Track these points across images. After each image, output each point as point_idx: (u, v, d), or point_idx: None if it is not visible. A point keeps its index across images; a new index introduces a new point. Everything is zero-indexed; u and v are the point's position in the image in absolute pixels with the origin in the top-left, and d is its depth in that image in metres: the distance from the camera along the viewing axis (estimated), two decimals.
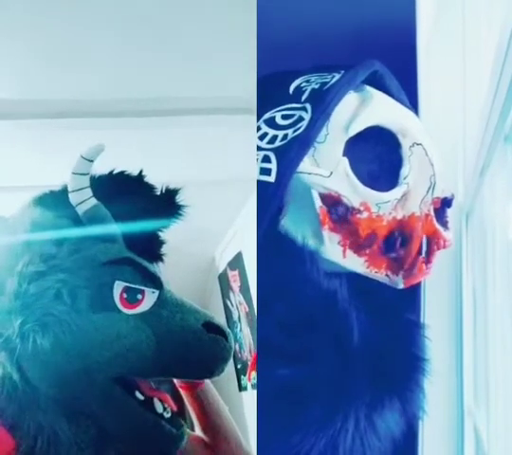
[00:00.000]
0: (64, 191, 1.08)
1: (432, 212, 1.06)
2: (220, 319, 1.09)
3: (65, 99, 1.95)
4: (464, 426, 1.37)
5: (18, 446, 0.99)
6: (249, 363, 3.03)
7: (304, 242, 1.00)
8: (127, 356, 1.00)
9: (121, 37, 1.67)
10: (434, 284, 1.31)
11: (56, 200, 1.09)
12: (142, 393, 1.04)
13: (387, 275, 1.05)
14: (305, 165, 1.01)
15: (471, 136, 1.37)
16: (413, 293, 1.16)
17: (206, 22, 1.61)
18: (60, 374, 1.00)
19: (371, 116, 1.03)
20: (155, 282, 1.06)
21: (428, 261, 1.06)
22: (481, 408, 1.35)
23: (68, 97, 1.93)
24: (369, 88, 1.07)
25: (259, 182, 1.00)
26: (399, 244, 1.04)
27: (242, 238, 2.95)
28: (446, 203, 1.08)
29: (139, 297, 1.03)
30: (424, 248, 1.06)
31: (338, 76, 1.03)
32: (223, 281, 3.44)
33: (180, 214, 1.14)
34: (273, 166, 0.99)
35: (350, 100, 1.04)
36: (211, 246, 3.35)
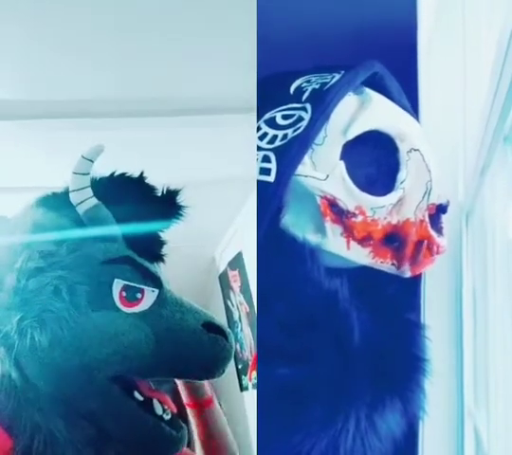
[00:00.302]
0: (66, 193, 1.08)
1: (427, 218, 1.06)
2: (221, 320, 1.09)
3: (66, 99, 1.94)
4: (464, 426, 1.37)
5: (15, 446, 0.99)
6: (250, 363, 3.03)
7: (305, 240, 1.00)
8: (125, 354, 1.00)
9: (122, 37, 1.66)
10: (434, 284, 1.31)
11: (58, 201, 1.09)
12: (141, 394, 1.04)
13: (393, 264, 1.05)
14: (302, 167, 1.01)
15: (471, 137, 1.37)
16: (414, 293, 1.16)
17: (206, 22, 1.60)
18: (58, 372, 1.00)
19: (369, 120, 1.04)
20: (154, 281, 1.06)
21: (430, 253, 1.06)
22: (481, 408, 1.35)
23: (69, 97, 1.93)
24: (368, 90, 1.07)
25: (259, 182, 1.00)
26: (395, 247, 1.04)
27: (242, 238, 2.95)
28: (441, 209, 1.08)
29: (139, 296, 1.03)
30: (418, 253, 1.06)
31: (338, 76, 1.03)
32: (223, 281, 3.44)
33: (181, 215, 1.14)
34: (273, 166, 1.00)
35: (349, 103, 1.04)
36: (212, 246, 3.35)
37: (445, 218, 1.09)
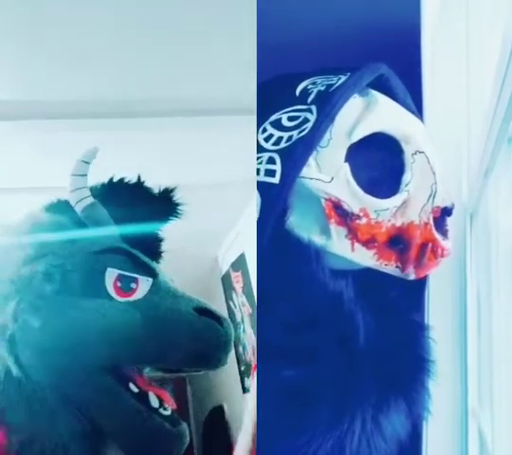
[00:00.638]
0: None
1: (432, 221, 1.06)
2: None
3: (64, 100, 1.94)
4: (468, 427, 1.36)
5: (6, 442, 1.01)
6: (253, 365, 3.02)
7: (311, 241, 1.01)
8: (115, 338, 1.02)
9: (121, 38, 1.66)
10: (438, 285, 1.31)
11: (62, 205, 1.14)
12: (137, 387, 1.06)
13: (397, 266, 1.05)
14: (307, 169, 1.01)
15: (475, 138, 1.37)
16: (418, 294, 1.16)
17: (205, 22, 1.60)
18: (49, 357, 1.02)
19: (374, 122, 1.04)
20: (148, 270, 1.09)
21: (435, 256, 1.06)
22: (485, 409, 1.35)
23: (67, 98, 1.93)
24: (374, 92, 1.07)
25: (263, 183, 1.00)
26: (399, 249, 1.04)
27: (245, 239, 2.95)
28: (446, 212, 1.08)
29: (133, 286, 1.06)
30: (423, 256, 1.06)
31: (344, 78, 1.04)
32: (226, 282, 3.43)
33: (178, 212, 1.18)
34: (277, 167, 1.00)
35: (354, 105, 1.05)
36: (214, 248, 3.34)
37: (449, 220, 1.09)
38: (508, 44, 0.91)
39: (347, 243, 1.02)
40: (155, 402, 1.06)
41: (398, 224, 1.04)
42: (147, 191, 1.17)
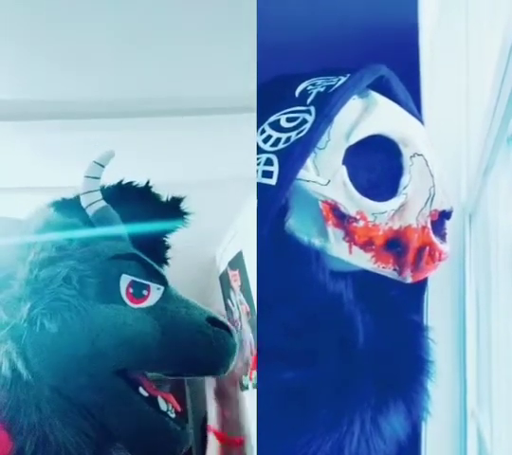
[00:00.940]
0: (75, 199, 1.13)
1: (429, 225, 1.05)
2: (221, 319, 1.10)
3: (64, 100, 1.94)
4: (467, 427, 1.36)
5: (13, 448, 0.99)
6: (251, 362, 3.02)
7: (310, 243, 1.00)
8: (132, 345, 1.02)
9: (121, 37, 1.66)
10: (438, 286, 1.31)
11: (68, 205, 1.13)
12: (147, 391, 1.05)
13: (395, 269, 1.04)
14: (304, 172, 1.01)
15: (474, 137, 1.37)
16: (418, 294, 1.15)
17: (206, 21, 1.60)
18: (65, 362, 1.01)
19: (373, 124, 1.03)
20: (160, 278, 1.08)
21: (433, 260, 1.06)
22: (484, 409, 1.35)
23: (67, 98, 1.93)
24: (374, 94, 1.07)
25: (260, 185, 1.00)
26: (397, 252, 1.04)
27: (242, 238, 2.95)
28: (444, 215, 1.07)
29: (145, 292, 1.06)
30: (420, 260, 1.05)
31: (343, 79, 1.03)
32: (224, 280, 3.44)
33: (185, 221, 1.17)
34: (275, 168, 0.99)
35: (354, 107, 1.04)
36: (212, 246, 3.34)
37: (448, 223, 1.08)
38: (507, 44, 0.90)
39: (345, 245, 1.02)
40: (163, 405, 1.05)
41: (396, 227, 1.03)
42: (155, 197, 1.17)
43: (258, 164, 1.01)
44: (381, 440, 1.03)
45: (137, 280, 1.05)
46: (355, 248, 1.02)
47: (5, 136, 2.04)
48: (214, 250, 3.42)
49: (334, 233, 1.01)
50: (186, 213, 1.17)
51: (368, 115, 1.03)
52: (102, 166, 1.11)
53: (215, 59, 1.75)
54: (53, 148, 2.13)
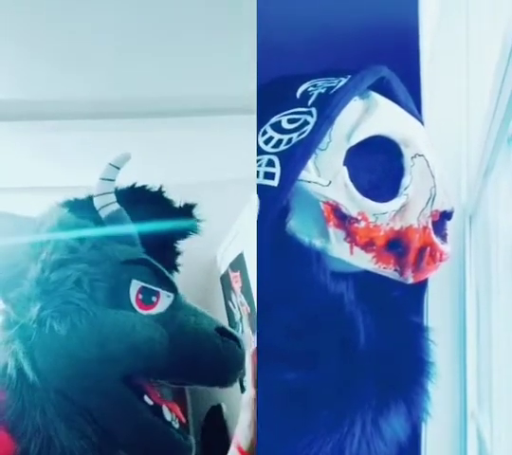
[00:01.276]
0: (87, 199, 1.13)
1: (430, 225, 1.05)
2: (222, 321, 1.12)
3: (64, 100, 1.94)
4: (467, 428, 1.36)
5: (16, 449, 0.99)
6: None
7: (311, 244, 1.00)
8: (140, 351, 1.02)
9: (120, 37, 1.66)
10: (438, 287, 1.31)
11: (81, 206, 1.13)
12: (152, 400, 1.05)
13: (396, 270, 1.04)
14: (306, 173, 1.01)
15: (475, 138, 1.37)
16: (418, 295, 1.15)
17: (205, 21, 1.60)
18: (73, 364, 1.01)
19: (374, 125, 1.03)
20: (170, 285, 1.08)
21: (434, 260, 1.06)
22: (484, 410, 1.35)
23: (67, 98, 1.93)
24: (375, 95, 1.07)
25: (261, 186, 0.99)
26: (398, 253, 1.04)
27: (243, 239, 2.95)
28: (445, 216, 1.07)
29: (154, 299, 1.06)
30: (421, 260, 1.05)
31: (344, 80, 1.03)
32: (225, 282, 3.43)
33: (197, 228, 1.18)
34: (277, 170, 0.99)
35: (355, 108, 1.04)
36: (213, 248, 3.34)
37: (449, 223, 1.08)
38: (508, 45, 0.90)
39: (346, 246, 1.02)
40: (168, 415, 1.06)
41: (397, 227, 1.03)
42: (167, 202, 1.18)
43: (259, 165, 1.01)
44: (382, 441, 1.03)
45: (148, 286, 1.05)
46: (356, 249, 1.02)
47: (3, 136, 2.04)
48: (215, 252, 3.41)
49: (335, 234, 1.01)
50: (198, 220, 1.18)
51: (369, 116, 1.03)
52: (118, 168, 1.11)
53: (215, 59, 1.75)
54: (52, 148, 2.12)
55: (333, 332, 0.99)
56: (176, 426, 1.06)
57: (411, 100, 1.11)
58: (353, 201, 1.01)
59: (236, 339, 1.07)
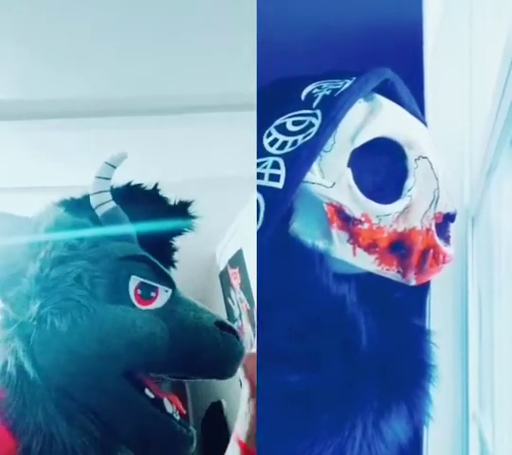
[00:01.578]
0: (84, 198, 1.15)
1: (434, 227, 1.05)
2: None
3: (61, 98, 1.93)
4: (469, 431, 1.36)
5: (17, 447, 0.99)
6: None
7: (314, 245, 1.00)
8: (141, 346, 1.02)
9: (120, 36, 1.65)
10: (440, 289, 1.30)
11: (77, 205, 1.14)
12: (153, 393, 1.06)
13: (399, 272, 1.04)
14: (310, 174, 1.00)
15: (477, 140, 1.36)
16: (421, 297, 1.15)
17: (206, 19, 1.59)
18: (74, 361, 1.01)
19: (378, 127, 1.03)
20: (168, 280, 1.09)
21: (436, 262, 1.05)
22: (486, 413, 1.34)
23: (64, 97, 1.92)
24: (379, 97, 1.06)
25: (266, 188, 0.99)
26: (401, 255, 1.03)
27: (242, 235, 2.95)
28: (448, 218, 1.07)
29: (153, 294, 1.07)
30: (424, 262, 1.05)
31: (349, 82, 1.03)
32: (224, 278, 3.43)
33: (192, 225, 1.19)
34: (282, 172, 0.99)
35: (359, 110, 1.04)
36: (212, 244, 3.33)
37: (452, 226, 1.08)
38: (511, 45, 0.89)
39: (349, 247, 1.02)
40: (169, 408, 1.06)
41: (400, 229, 1.03)
42: (163, 200, 1.19)
43: (264, 167, 1.00)
44: (383, 444, 1.03)
45: (146, 281, 1.06)
46: (359, 250, 1.02)
47: (2, 135, 2.03)
48: (214, 248, 3.41)
49: (338, 235, 1.01)
50: (193, 217, 1.19)
51: (373, 118, 1.03)
52: (114, 167, 1.12)
53: (214, 57, 1.74)
54: (50, 147, 2.12)
55: (335, 334, 0.98)
56: (177, 418, 1.07)
57: (415, 102, 1.11)
58: (356, 202, 1.00)
59: (235, 332, 1.08)
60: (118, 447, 1.06)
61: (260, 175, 1.00)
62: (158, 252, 1.13)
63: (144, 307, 1.05)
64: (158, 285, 1.07)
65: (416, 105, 1.11)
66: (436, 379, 1.08)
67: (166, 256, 1.18)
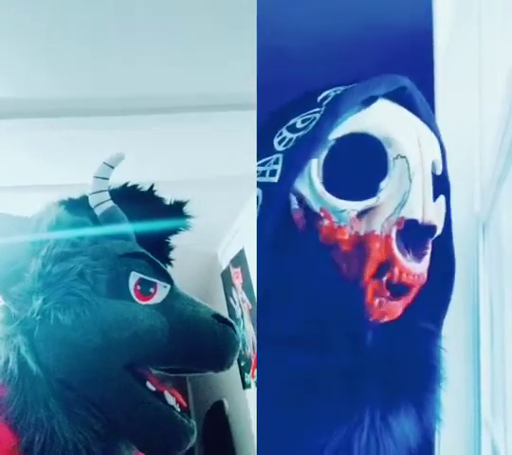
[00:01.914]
0: (82, 198, 1.17)
1: (394, 235, 0.99)
2: None
3: (64, 97, 1.93)
4: (481, 438, 1.36)
5: (18, 444, 1.00)
6: (253, 360, 3.02)
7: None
8: (142, 339, 1.04)
9: (120, 35, 1.65)
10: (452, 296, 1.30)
11: (76, 204, 1.16)
12: (154, 386, 1.07)
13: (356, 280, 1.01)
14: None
15: (488, 146, 1.35)
16: (429, 301, 1.14)
17: (205, 18, 1.59)
18: (76, 355, 1.03)
19: (357, 122, 1.01)
20: (166, 276, 1.12)
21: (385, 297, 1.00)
22: (498, 420, 1.34)
23: (67, 95, 1.91)
24: (380, 99, 1.05)
25: (264, 183, 1.00)
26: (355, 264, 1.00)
27: (244, 235, 2.95)
28: (411, 226, 1.00)
29: (152, 290, 1.09)
30: (382, 275, 0.99)
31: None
32: (226, 278, 3.43)
33: (187, 224, 1.22)
34: (278, 167, 0.99)
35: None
36: (214, 244, 3.34)
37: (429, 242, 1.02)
38: None
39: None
40: (171, 400, 1.08)
41: (362, 232, 0.99)
42: (158, 200, 1.21)
43: (269, 164, 1.01)
44: (391, 440, 1.03)
45: (146, 277, 1.09)
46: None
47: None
48: (216, 248, 3.41)
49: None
50: (188, 216, 1.21)
51: (354, 113, 1.02)
52: (112, 167, 1.15)
53: (215, 55, 1.74)
54: (45, 146, 2.12)
55: (338, 325, 0.99)
56: (178, 410, 1.08)
57: (434, 120, 1.09)
58: (315, 195, 1.00)
59: (231, 325, 1.10)
60: (119, 441, 1.07)
61: (263, 173, 1.01)
62: (155, 250, 1.15)
63: (144, 302, 1.07)
64: (157, 281, 1.09)
65: (435, 123, 1.08)
66: (446, 383, 1.08)
67: (163, 254, 1.20)
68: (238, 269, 3.19)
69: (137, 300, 1.07)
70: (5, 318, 1.08)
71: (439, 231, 1.03)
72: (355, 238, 0.99)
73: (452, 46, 1.31)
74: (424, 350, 1.08)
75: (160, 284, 1.09)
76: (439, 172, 1.08)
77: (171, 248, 1.23)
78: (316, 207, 0.99)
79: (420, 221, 1.00)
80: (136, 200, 1.19)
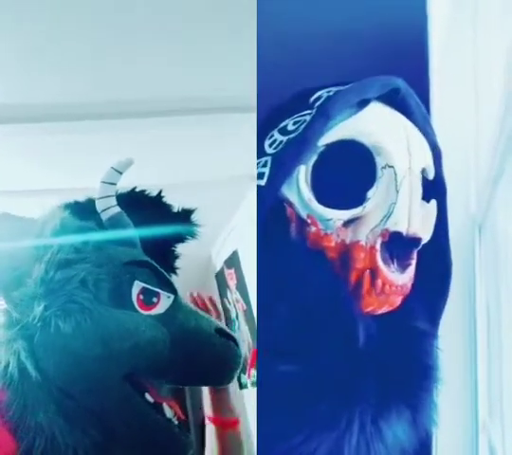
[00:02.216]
0: (88, 202, 1.15)
1: (378, 246, 1.00)
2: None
3: (60, 101, 1.92)
4: (478, 439, 1.36)
5: (18, 449, 0.99)
6: (249, 361, 3.02)
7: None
8: (143, 350, 1.03)
9: (119, 36, 1.65)
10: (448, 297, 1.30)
11: (82, 209, 1.15)
12: (152, 397, 1.06)
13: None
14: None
15: (483, 147, 1.35)
16: (429, 302, 1.14)
17: (205, 20, 1.58)
18: (76, 363, 1.02)
19: (347, 128, 1.01)
20: (170, 287, 1.10)
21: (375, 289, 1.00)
22: (495, 421, 1.34)
23: (65, 99, 1.91)
24: (373, 102, 1.04)
25: (257, 186, 1.00)
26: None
27: (238, 236, 2.95)
28: (395, 238, 1.00)
29: (155, 300, 1.07)
30: (365, 285, 1.00)
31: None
32: (220, 279, 3.43)
33: (195, 232, 1.22)
34: (266, 170, 0.99)
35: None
36: (208, 245, 3.34)
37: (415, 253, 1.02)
38: None
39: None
40: (169, 413, 1.07)
41: (347, 241, 1.00)
42: (166, 207, 1.20)
43: (258, 167, 1.01)
44: (382, 444, 1.03)
45: (149, 287, 1.07)
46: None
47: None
48: (210, 249, 3.41)
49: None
50: (196, 225, 1.21)
51: (345, 119, 1.02)
52: (120, 173, 1.12)
53: (215, 57, 1.74)
54: (43, 151, 2.12)
55: (331, 328, 0.98)
56: (176, 423, 1.07)
57: (429, 121, 1.08)
58: (303, 202, 1.00)
59: (234, 340, 1.09)
60: (118, 450, 1.06)
61: (258, 175, 1.01)
62: (160, 259, 1.13)
63: (146, 312, 1.06)
64: (161, 291, 1.08)
65: (430, 127, 1.07)
66: (440, 384, 1.08)
67: (168, 262, 1.19)
68: (232, 270, 3.19)
69: (139, 309, 1.06)
70: (6, 322, 1.07)
71: (425, 241, 1.04)
72: (341, 246, 1.00)
73: (448, 46, 1.31)
74: (420, 350, 1.08)
75: (164, 294, 1.08)
76: (431, 177, 1.07)
77: (176, 257, 1.22)
78: (303, 213, 0.99)
79: (405, 233, 1.01)
80: (143, 205, 1.18)
